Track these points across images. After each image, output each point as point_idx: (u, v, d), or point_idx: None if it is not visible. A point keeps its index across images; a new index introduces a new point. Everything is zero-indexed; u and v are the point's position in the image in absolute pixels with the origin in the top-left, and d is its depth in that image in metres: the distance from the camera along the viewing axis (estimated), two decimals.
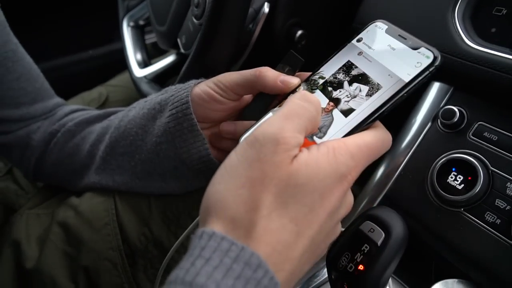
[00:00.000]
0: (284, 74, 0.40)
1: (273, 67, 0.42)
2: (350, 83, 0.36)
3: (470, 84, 0.44)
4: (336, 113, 0.35)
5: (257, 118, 0.42)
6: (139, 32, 0.82)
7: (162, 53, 0.98)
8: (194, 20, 0.53)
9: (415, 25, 0.48)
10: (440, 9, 0.45)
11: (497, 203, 0.38)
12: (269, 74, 0.39)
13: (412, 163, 0.46)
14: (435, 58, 0.31)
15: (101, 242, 0.47)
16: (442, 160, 0.42)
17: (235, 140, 0.42)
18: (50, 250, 0.47)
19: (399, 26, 0.45)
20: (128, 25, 0.82)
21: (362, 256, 0.35)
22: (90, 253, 0.47)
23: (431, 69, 0.31)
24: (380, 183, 0.47)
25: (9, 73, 0.52)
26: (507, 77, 0.40)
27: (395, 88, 0.32)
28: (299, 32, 0.60)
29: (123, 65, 0.95)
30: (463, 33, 0.44)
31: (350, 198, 0.31)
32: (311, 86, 0.39)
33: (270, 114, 0.39)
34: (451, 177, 0.41)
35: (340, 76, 0.37)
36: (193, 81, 0.44)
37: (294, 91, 0.40)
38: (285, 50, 0.62)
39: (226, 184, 0.27)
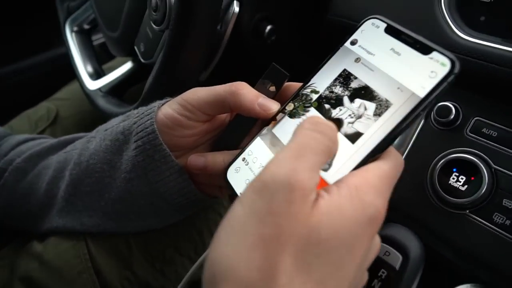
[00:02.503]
0: (263, 96, 0.34)
1: (248, 76, 0.36)
2: (351, 99, 0.31)
3: (463, 77, 0.41)
4: (341, 138, 0.29)
5: (235, 147, 0.37)
6: (86, 37, 0.73)
7: (112, 57, 0.89)
8: (154, 26, 0.46)
9: (399, 15, 0.45)
10: None
11: (505, 203, 0.37)
12: (246, 93, 0.34)
13: (408, 165, 0.43)
14: (453, 65, 0.26)
15: None
16: (441, 161, 0.40)
17: (208, 176, 0.37)
18: None
19: (380, 14, 0.41)
20: (72, 30, 0.73)
21: (380, 283, 0.32)
22: None
23: (449, 79, 0.26)
24: None
25: None
26: (500, 69, 0.38)
27: (409, 105, 0.27)
28: (268, 28, 0.55)
29: (68, 73, 0.85)
30: (452, 23, 0.41)
31: (377, 239, 0.27)
32: (303, 102, 0.33)
33: (258, 141, 0.34)
34: (453, 178, 0.39)
35: (337, 89, 0.32)
36: (156, 104, 0.38)
37: (283, 109, 0.35)
38: (254, 48, 0.57)
39: (234, 245, 0.22)
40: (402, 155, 0.44)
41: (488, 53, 0.38)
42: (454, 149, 0.40)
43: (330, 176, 0.28)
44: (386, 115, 0.28)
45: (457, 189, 0.38)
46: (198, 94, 0.35)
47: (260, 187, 0.22)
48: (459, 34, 0.40)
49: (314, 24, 0.54)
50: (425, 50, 0.28)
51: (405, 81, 0.28)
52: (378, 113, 0.28)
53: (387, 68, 0.30)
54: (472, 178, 0.38)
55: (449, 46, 0.40)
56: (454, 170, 0.39)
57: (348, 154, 0.28)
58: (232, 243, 0.22)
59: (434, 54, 0.27)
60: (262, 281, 0.21)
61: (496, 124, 0.39)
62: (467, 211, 0.38)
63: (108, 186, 0.40)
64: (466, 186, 0.38)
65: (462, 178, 0.39)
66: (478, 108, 0.40)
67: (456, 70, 0.26)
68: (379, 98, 0.29)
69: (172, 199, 0.39)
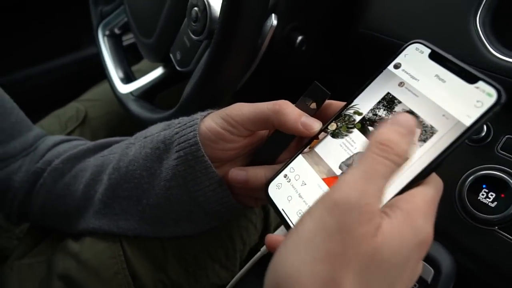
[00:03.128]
0: (306, 115, 0.35)
1: (293, 99, 0.37)
2: None
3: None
4: None
5: (273, 161, 0.38)
6: (117, 41, 0.76)
7: (139, 59, 0.91)
8: (192, 36, 0.48)
9: (432, 30, 0.46)
10: (461, 14, 0.43)
11: None
12: (289, 113, 0.34)
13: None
14: (499, 96, 0.26)
15: None
16: (471, 177, 0.41)
17: (247, 189, 0.38)
18: None
19: (413, 30, 0.41)
20: (104, 34, 0.75)
21: None
22: None
23: (495, 110, 0.26)
24: None
25: None
26: None
27: (455, 133, 0.27)
28: (299, 38, 0.56)
29: (96, 75, 0.88)
30: (486, 41, 0.42)
31: (421, 264, 0.28)
32: (346, 123, 0.34)
33: (300, 158, 0.35)
34: (482, 195, 0.40)
35: (381, 112, 0.32)
36: (198, 116, 0.39)
37: (325, 128, 0.35)
38: (286, 56, 0.59)
39: (300, 256, 0.23)
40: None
41: None
42: (484, 166, 0.41)
43: None
44: (431, 141, 0.29)
45: (486, 205, 0.39)
46: (242, 110, 0.36)
47: (331, 205, 0.23)
48: (493, 52, 0.41)
49: (344, 36, 0.55)
50: (471, 79, 0.28)
51: (451, 109, 0.29)
52: (423, 139, 0.29)
53: (432, 95, 0.30)
54: (502, 195, 0.39)
55: (482, 63, 0.41)
56: (484, 186, 0.40)
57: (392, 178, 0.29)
58: (299, 253, 0.23)
59: (480, 83, 0.28)
60: (333, 283, 0.22)
61: None
62: (496, 227, 0.39)
63: (146, 192, 0.42)
64: (495, 203, 0.39)
65: (491, 195, 0.39)
66: (509, 126, 0.41)
67: (503, 100, 0.26)
68: (424, 124, 0.30)
69: (209, 208, 0.40)
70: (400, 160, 0.25)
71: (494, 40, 0.42)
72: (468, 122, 0.27)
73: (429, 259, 0.34)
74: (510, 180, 0.39)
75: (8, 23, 1.00)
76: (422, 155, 0.29)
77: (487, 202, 0.39)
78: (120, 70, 0.71)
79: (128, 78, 0.70)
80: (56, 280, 0.44)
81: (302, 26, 0.57)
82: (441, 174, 0.43)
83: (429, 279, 0.33)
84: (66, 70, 1.04)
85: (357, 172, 0.24)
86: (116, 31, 0.77)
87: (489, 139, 0.42)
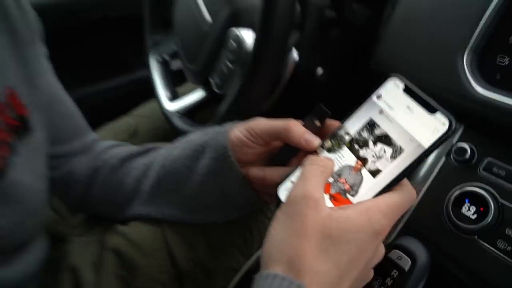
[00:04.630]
0: (309, 132, 0.44)
1: (301, 116, 0.46)
2: (374, 143, 0.39)
3: (479, 124, 0.50)
4: (365, 172, 0.38)
5: (284, 164, 0.47)
6: (166, 66, 0.88)
7: (182, 81, 1.04)
8: (228, 64, 0.59)
9: (428, 68, 0.54)
10: (451, 55, 0.51)
11: (507, 232, 0.43)
12: (296, 131, 0.44)
13: (429, 194, 0.51)
14: (450, 125, 0.34)
15: (153, 266, 0.53)
16: (456, 192, 0.48)
17: (265, 186, 0.48)
18: (106, 275, 0.53)
19: (413, 67, 0.49)
20: (155, 59, 0.88)
21: (392, 281, 0.41)
22: (142, 276, 0.52)
23: (446, 135, 0.34)
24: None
25: (54, 113, 0.58)
26: (510, 120, 0.46)
27: (416, 153, 0.35)
28: (320, 70, 0.66)
29: (146, 94, 1.01)
30: (471, 78, 0.49)
31: (382, 249, 0.37)
32: (338, 141, 0.42)
33: (298, 169, 0.42)
34: (465, 208, 0.46)
35: (365, 134, 0.40)
36: (228, 125, 0.50)
37: (323, 144, 0.44)
38: (307, 86, 0.68)
39: (280, 235, 0.33)
40: (425, 186, 0.52)
41: (500, 106, 0.46)
42: (468, 183, 0.48)
43: (356, 200, 0.38)
44: (399, 159, 0.37)
45: (468, 217, 0.46)
46: (260, 124, 0.46)
47: (289, 201, 0.35)
48: (477, 89, 0.48)
49: (357, 70, 0.64)
50: (431, 110, 0.36)
51: (415, 133, 0.36)
52: (393, 156, 0.37)
53: (402, 122, 0.38)
54: (481, 209, 0.45)
55: (467, 96, 0.49)
56: (466, 201, 0.47)
57: (370, 185, 0.38)
58: (279, 233, 0.34)
59: (438, 114, 0.35)
60: (298, 258, 0.31)
61: (505, 165, 0.46)
62: (476, 236, 0.45)
63: (185, 186, 0.52)
64: (475, 215, 0.45)
65: (472, 208, 0.46)
66: (491, 150, 0.48)
67: (453, 128, 0.34)
68: (395, 145, 0.38)
69: (234, 200, 0.50)
70: (323, 163, 0.37)
71: (479, 77, 0.49)
72: (427, 145, 0.35)
73: (407, 252, 0.41)
74: (488, 197, 0.45)
75: (76, 47, 1.17)
76: (392, 169, 0.37)
77: (468, 215, 0.46)
78: (167, 90, 0.83)
79: (173, 97, 0.82)
80: (108, 253, 0.54)
81: (323, 61, 0.67)
82: (432, 189, 0.51)
83: (406, 268, 0.40)
84: (120, 89, 1.19)
85: (300, 178, 0.36)
86: (166, 57, 0.90)
87: (474, 161, 0.49)
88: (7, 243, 0.46)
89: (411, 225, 0.52)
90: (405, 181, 0.37)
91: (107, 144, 0.66)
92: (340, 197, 0.37)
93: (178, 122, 0.71)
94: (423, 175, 0.53)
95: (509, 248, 0.43)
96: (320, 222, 0.32)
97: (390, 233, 0.52)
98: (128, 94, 1.18)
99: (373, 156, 0.39)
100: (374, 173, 0.38)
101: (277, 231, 0.34)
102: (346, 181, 0.39)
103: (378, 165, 0.38)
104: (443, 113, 0.35)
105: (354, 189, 0.38)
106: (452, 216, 0.47)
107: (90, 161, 0.63)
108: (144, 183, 0.56)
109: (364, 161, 0.39)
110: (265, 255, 0.34)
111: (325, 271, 0.31)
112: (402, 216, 0.52)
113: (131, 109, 1.02)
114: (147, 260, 0.53)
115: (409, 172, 0.36)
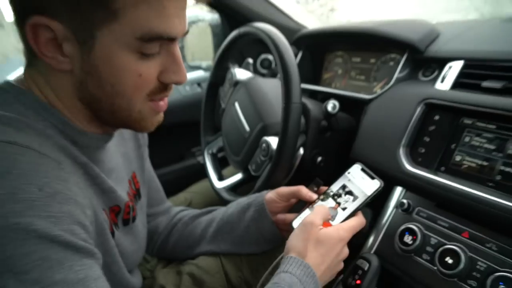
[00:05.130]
0: (311, 192, 0.79)
1: (306, 185, 0.82)
2: (345, 195, 0.75)
3: (411, 187, 0.84)
4: (339, 209, 0.73)
5: (299, 211, 0.81)
6: (215, 156, 1.27)
7: (226, 166, 1.41)
8: (262, 157, 0.96)
9: (381, 156, 0.89)
10: (393, 148, 0.87)
11: (427, 249, 0.75)
12: (303, 192, 0.79)
13: (387, 231, 0.84)
14: (379, 186, 0.70)
15: (215, 283, 0.84)
16: (401, 228, 0.80)
17: (286, 224, 0.81)
18: None
19: (373, 156, 0.86)
20: (208, 153, 1.27)
21: (358, 276, 0.72)
22: None
23: (378, 190, 0.70)
24: (371, 245, 0.85)
25: (150, 187, 0.95)
26: (428, 187, 0.80)
27: (364, 199, 0.71)
28: (319, 158, 1.02)
29: (197, 175, 1.39)
30: (405, 160, 0.84)
31: (346, 250, 0.70)
32: (326, 196, 0.78)
33: (307, 210, 0.78)
34: (406, 237, 0.78)
35: (340, 191, 0.76)
36: (264, 192, 0.85)
37: (318, 198, 0.79)
38: (310, 169, 1.04)
39: (296, 241, 0.66)
40: (385, 226, 0.84)
41: (422, 178, 0.80)
42: (407, 223, 0.80)
43: (334, 223, 0.72)
44: (356, 201, 0.72)
45: (407, 242, 0.77)
46: (283, 189, 0.82)
47: (303, 224, 0.68)
48: (407, 167, 0.83)
49: (341, 158, 1.01)
50: (372, 178, 0.73)
51: (364, 189, 0.72)
52: (353, 200, 0.72)
53: (359, 184, 0.74)
54: (414, 237, 0.77)
55: (401, 172, 0.83)
56: (407, 233, 0.79)
57: (341, 216, 0.72)
58: (295, 239, 0.67)
59: (375, 180, 0.72)
60: (304, 251, 0.64)
61: (427, 211, 0.79)
62: (412, 254, 0.77)
63: (236, 230, 0.85)
64: (411, 241, 0.77)
65: (409, 237, 0.78)
66: (420, 203, 0.81)
67: (382, 186, 0.70)
68: (355, 195, 0.73)
69: (267, 237, 0.83)
70: (323, 210, 0.70)
71: (409, 160, 0.85)
72: (369, 194, 0.71)
73: (367, 260, 0.73)
74: (417, 230, 0.77)
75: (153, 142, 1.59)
76: (352, 207, 0.72)
77: (407, 241, 0.78)
78: (216, 173, 1.21)
79: (220, 178, 1.19)
80: (184, 276, 0.86)
81: (321, 151, 1.03)
82: (389, 229, 0.83)
83: (365, 268, 0.72)
84: (176, 172, 1.59)
85: (311, 213, 0.69)
86: (214, 151, 1.29)
87: (410, 209, 0.82)
88: (131, 262, 0.80)
89: (378, 249, 0.83)
90: (359, 213, 0.72)
91: (179, 209, 1.02)
92: (326, 222, 0.71)
93: (225, 195, 1.06)
94: (385, 220, 0.85)
95: (428, 258, 0.74)
96: (316, 234, 0.66)
97: (361, 253, 0.83)
98: (181, 177, 1.57)
99: (344, 201, 0.74)
100: (343, 209, 0.73)
101: (294, 237, 0.67)
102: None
103: (346, 205, 0.73)
104: (377, 179, 0.71)
105: (333, 218, 0.73)
106: (399, 242, 0.79)
107: (168, 220, 0.98)
108: (208, 231, 0.90)
109: (339, 204, 0.74)
110: (286, 248, 0.66)
111: (315, 257, 0.64)
112: (372, 246, 0.84)
113: (185, 188, 1.39)
114: (211, 279, 0.84)
115: (360, 208, 0.71)
